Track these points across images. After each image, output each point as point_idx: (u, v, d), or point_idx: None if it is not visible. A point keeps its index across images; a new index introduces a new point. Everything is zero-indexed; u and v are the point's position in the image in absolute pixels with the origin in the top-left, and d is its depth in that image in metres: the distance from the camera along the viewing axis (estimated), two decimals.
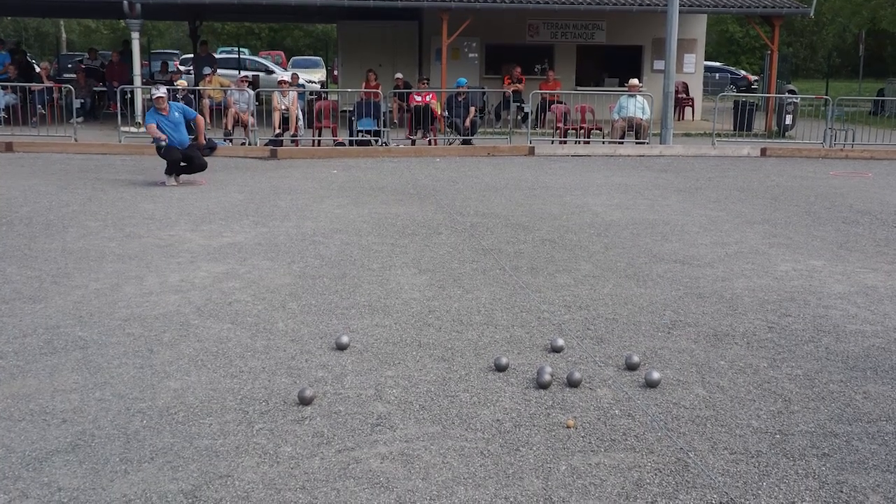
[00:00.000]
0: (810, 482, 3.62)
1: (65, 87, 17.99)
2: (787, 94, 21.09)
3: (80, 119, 19.16)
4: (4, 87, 18.47)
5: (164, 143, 11.48)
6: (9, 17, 41.17)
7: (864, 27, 36.43)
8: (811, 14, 22.28)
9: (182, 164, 11.80)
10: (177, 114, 11.77)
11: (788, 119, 20.36)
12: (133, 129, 17.57)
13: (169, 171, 11.82)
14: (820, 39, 48.94)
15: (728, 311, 6.05)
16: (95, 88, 22.36)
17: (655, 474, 3.65)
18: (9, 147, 15.35)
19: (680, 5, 17.97)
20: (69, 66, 29.61)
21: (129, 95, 18.27)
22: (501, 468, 3.70)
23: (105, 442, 3.90)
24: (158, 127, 11.54)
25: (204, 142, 12.64)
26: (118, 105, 16.74)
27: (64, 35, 46.12)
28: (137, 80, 19.14)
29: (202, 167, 11.96)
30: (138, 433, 4.00)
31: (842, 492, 3.54)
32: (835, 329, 5.71)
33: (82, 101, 19.48)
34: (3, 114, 18.33)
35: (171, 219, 9.23)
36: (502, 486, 3.55)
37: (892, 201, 11.28)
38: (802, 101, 21.97)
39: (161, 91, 11.77)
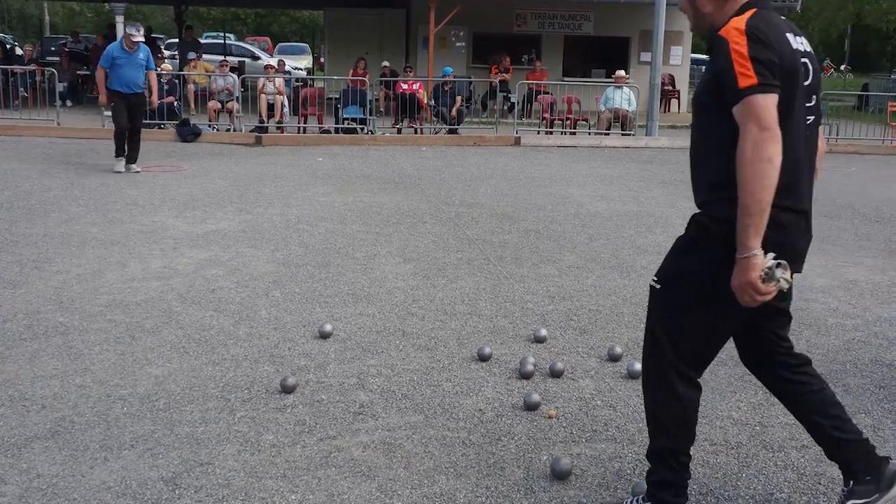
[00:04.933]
0: (789, 474, 3.64)
1: (48, 71, 17.85)
2: None
3: (68, 104, 19.04)
4: None
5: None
6: None
7: (849, 22, 36.56)
8: (797, 8, 22.35)
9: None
10: (141, 56, 11.37)
11: None
12: None
13: (118, 149, 11.43)
14: (806, 34, 48.99)
15: None
16: (79, 72, 22.20)
17: (636, 465, 3.67)
18: None
19: None
20: (52, 49, 29.38)
21: None
22: (483, 458, 3.70)
23: (85, 428, 3.88)
24: (113, 64, 11.15)
25: (157, 100, 12.51)
26: None
27: (48, 18, 45.73)
28: None
29: (137, 130, 11.53)
30: (119, 420, 3.98)
31: (820, 483, 3.57)
32: (816, 322, 5.74)
33: (65, 84, 19.33)
34: None
35: (154, 205, 9.18)
36: (484, 475, 3.55)
37: (875, 196, 11.35)
38: None
39: (139, 34, 11.38)
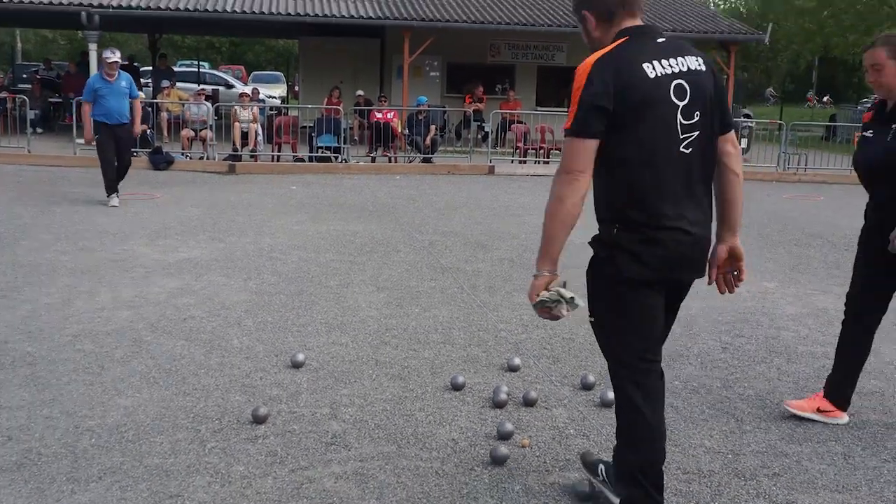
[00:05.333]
0: (761, 502, 3.64)
1: (19, 98, 17.73)
2: (742, 119, 21.43)
3: (39, 130, 18.92)
4: None
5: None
6: None
7: (817, 54, 37.18)
8: (766, 40, 22.70)
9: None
10: (123, 83, 10.90)
11: (744, 143, 20.67)
12: None
13: (108, 186, 10.96)
14: (775, 65, 49.84)
15: (683, 332, 6.09)
16: (51, 99, 22.08)
17: None
18: None
19: None
20: (24, 76, 29.21)
21: None
22: (456, 488, 3.68)
23: (52, 461, 3.82)
24: (96, 96, 10.70)
25: (139, 131, 11.99)
26: (73, 117, 16.54)
27: (20, 45, 45.50)
28: None
29: (126, 167, 11.18)
30: (86, 452, 3.92)
31: None
32: (786, 350, 5.78)
33: (36, 112, 19.21)
34: None
35: (125, 233, 9.12)
36: None
37: (843, 224, 11.48)
38: (757, 125, 22.35)
39: (116, 55, 10.88)
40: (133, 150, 15.58)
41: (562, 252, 3.20)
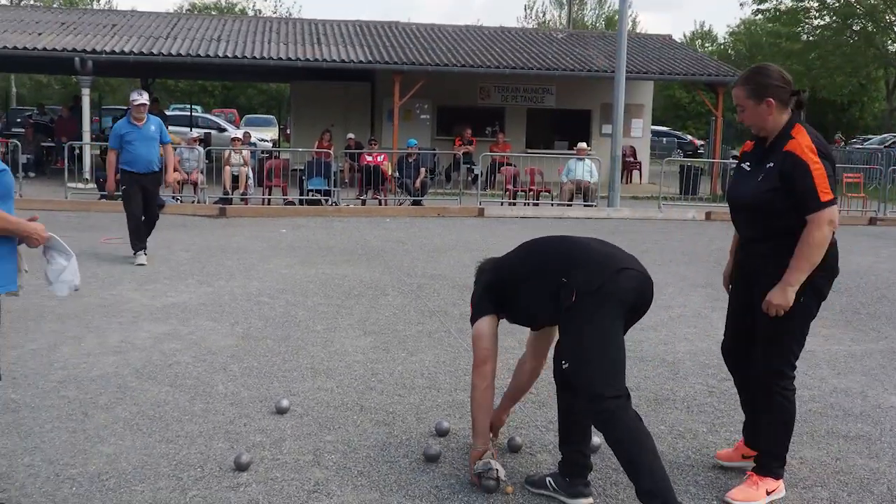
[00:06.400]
0: None
1: (11, 143, 17.80)
2: (731, 159, 21.59)
3: (31, 174, 18.98)
4: None
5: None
6: None
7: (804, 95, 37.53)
8: None
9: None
10: (153, 128, 10.02)
11: None
12: (81, 185, 17.43)
13: (135, 242, 10.01)
14: None
15: (669, 375, 6.09)
16: (43, 144, 22.17)
17: None
18: None
19: (627, 72, 18.45)
20: (18, 120, 29.33)
21: (78, 151, 18.13)
22: None
23: None
24: (122, 143, 9.88)
25: (172, 180, 11.18)
26: (66, 161, 16.60)
27: (14, 89, 45.74)
28: (86, 136, 19.06)
29: (153, 219, 10.34)
30: (67, 501, 3.89)
31: None
32: None
33: (29, 156, 19.29)
34: None
35: (114, 277, 9.11)
36: None
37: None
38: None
39: (143, 97, 10.01)
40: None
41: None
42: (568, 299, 3.73)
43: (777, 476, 4.11)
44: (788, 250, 3.87)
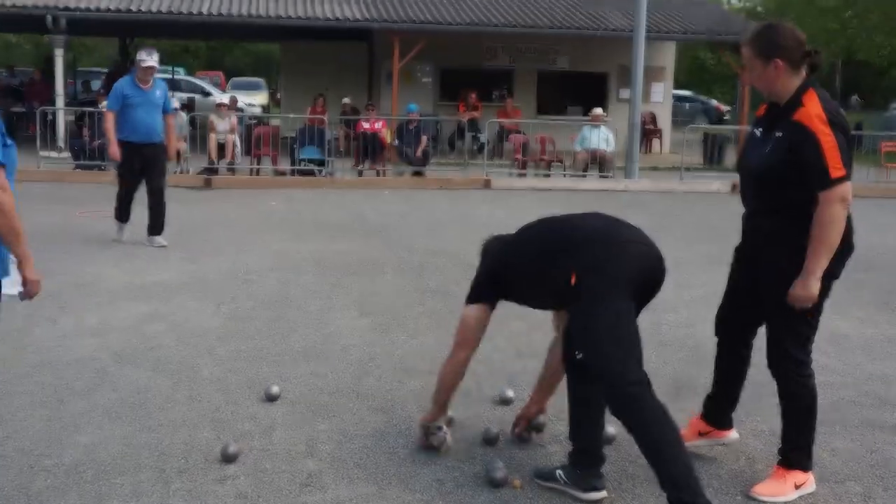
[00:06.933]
0: None
1: None
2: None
3: None
4: None
5: (118, 155, 9.42)
6: None
7: (840, 57, 37.35)
8: None
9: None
10: (158, 93, 9.61)
11: None
12: (54, 154, 17.42)
13: (120, 213, 9.81)
14: None
15: (691, 360, 6.10)
16: (13, 109, 22.13)
17: None
18: None
19: (647, 31, 18.30)
20: None
21: (51, 117, 18.11)
22: None
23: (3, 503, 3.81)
24: (125, 105, 9.40)
25: (174, 152, 10.67)
26: (38, 127, 16.59)
27: None
28: (60, 101, 19.04)
29: (158, 193, 9.75)
30: (41, 494, 3.92)
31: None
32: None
33: None
34: None
35: (90, 254, 9.13)
36: None
37: (867, 241, 11.45)
38: None
39: (153, 59, 9.48)
40: (101, 163, 15.66)
41: None
42: (568, 283, 3.77)
43: (805, 468, 4.11)
44: (797, 225, 3.86)
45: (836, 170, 3.75)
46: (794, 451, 4.11)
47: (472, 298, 4.31)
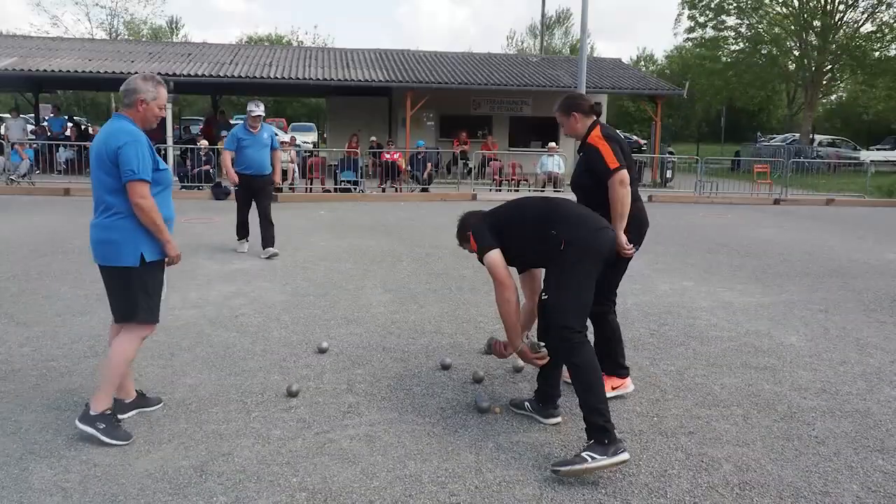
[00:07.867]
0: (679, 454, 3.63)
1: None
2: (667, 155, 21.48)
3: None
4: (65, 145, 18.15)
5: (230, 189, 8.60)
6: (70, 91, 40.52)
7: (724, 104, 37.27)
8: (684, 94, 22.77)
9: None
10: (265, 136, 8.83)
11: (669, 173, 20.69)
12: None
13: (239, 234, 9.11)
14: (692, 113, 49.94)
15: (620, 322, 6.04)
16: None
17: (561, 449, 3.65)
18: (66, 192, 15.07)
19: (586, 87, 18.26)
20: None
21: (163, 152, 18.00)
22: (443, 446, 3.66)
23: (132, 427, 3.80)
24: (239, 146, 8.72)
25: (280, 181, 9.94)
26: None
27: (114, 104, 45.47)
28: (170, 140, 18.91)
29: (265, 214, 8.80)
30: (159, 420, 3.90)
31: (702, 462, 3.57)
32: (700, 335, 5.77)
33: None
34: (63, 165, 17.99)
35: (191, 248, 9.08)
36: (443, 460, 3.52)
37: (745, 236, 11.49)
38: (679, 159, 22.39)
39: (259, 109, 8.75)
40: (199, 184, 15.60)
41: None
42: (558, 247, 3.59)
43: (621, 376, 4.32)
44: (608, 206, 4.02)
45: (612, 164, 3.94)
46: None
47: (485, 247, 3.81)
